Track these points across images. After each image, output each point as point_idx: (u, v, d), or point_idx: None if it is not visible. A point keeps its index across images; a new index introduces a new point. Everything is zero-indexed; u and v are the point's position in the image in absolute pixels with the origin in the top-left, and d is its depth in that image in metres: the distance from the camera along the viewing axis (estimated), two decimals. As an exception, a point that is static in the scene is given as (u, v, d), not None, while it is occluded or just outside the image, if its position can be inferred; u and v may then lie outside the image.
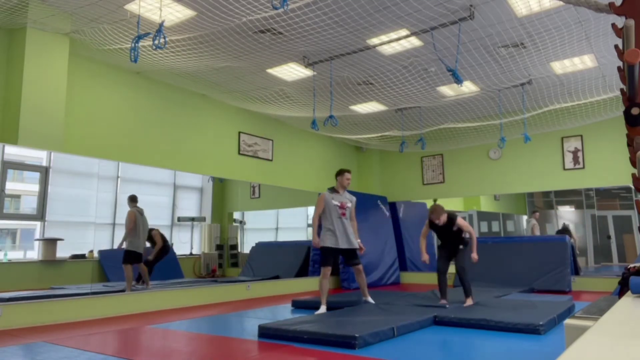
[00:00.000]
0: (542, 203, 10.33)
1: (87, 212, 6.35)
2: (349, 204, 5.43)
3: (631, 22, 1.94)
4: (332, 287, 8.92)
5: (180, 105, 7.22)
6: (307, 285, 8.36)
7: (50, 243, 5.90)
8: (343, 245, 5.25)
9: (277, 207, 10.04)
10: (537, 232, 9.77)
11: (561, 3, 4.54)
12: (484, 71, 6.63)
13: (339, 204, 5.34)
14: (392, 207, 10.18)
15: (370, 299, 5.53)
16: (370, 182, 10.61)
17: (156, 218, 7.66)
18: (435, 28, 5.35)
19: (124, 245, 6.39)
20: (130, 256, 6.33)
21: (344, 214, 5.33)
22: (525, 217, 10.50)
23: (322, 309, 5.20)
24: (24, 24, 5.14)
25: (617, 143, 7.87)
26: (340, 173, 5.51)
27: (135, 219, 6.43)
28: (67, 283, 5.90)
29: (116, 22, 5.07)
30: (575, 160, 8.32)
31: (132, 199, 6.56)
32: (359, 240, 5.43)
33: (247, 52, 5.94)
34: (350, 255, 5.36)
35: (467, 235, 5.35)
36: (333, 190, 5.51)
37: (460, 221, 5.26)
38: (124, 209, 6.68)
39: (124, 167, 6.93)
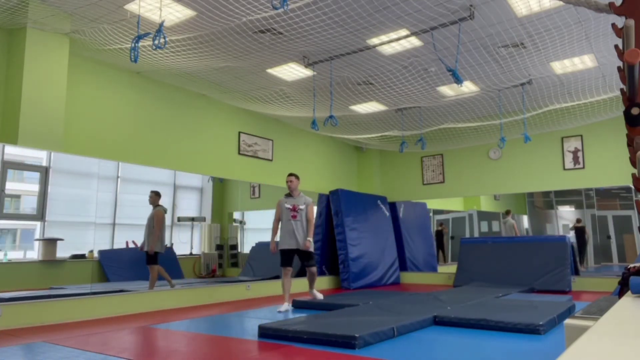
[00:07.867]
0: (542, 203, 10.33)
1: (87, 212, 6.35)
2: (302, 206, 5.90)
3: (631, 22, 1.93)
4: (332, 287, 8.92)
5: (180, 105, 7.22)
6: (307, 286, 8.33)
7: (50, 243, 5.90)
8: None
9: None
10: (517, 232, 9.75)
11: (561, 3, 4.54)
12: (484, 71, 6.63)
13: (291, 207, 5.89)
14: (392, 207, 10.18)
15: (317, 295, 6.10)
16: (370, 182, 10.61)
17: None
18: (435, 28, 5.35)
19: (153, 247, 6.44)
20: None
21: (295, 217, 5.82)
22: (525, 217, 10.50)
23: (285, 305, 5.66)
24: (24, 24, 5.14)
25: (617, 143, 7.87)
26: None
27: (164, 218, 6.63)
28: (67, 283, 5.90)
29: (116, 22, 5.07)
30: (575, 160, 8.32)
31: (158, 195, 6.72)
32: (309, 239, 5.77)
33: (247, 52, 5.94)
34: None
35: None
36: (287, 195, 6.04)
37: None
38: (124, 209, 6.69)
39: (124, 167, 6.93)
